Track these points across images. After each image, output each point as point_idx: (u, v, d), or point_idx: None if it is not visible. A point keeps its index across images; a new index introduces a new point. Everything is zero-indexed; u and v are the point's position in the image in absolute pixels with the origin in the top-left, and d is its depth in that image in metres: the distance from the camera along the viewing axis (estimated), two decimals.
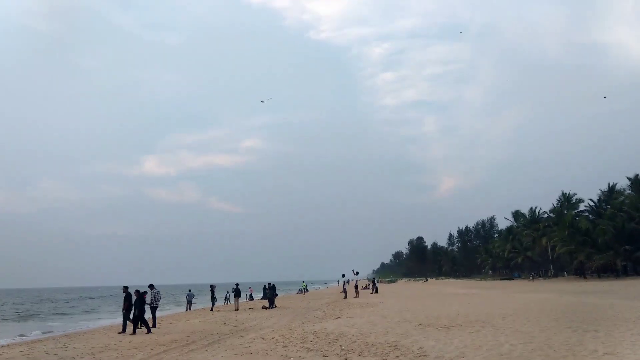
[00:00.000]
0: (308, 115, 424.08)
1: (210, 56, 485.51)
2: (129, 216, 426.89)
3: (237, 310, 28.58)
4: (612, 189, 63.99)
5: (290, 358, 10.25)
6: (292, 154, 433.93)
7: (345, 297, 35.08)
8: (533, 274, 69.60)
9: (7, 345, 16.24)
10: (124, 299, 17.48)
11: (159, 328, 18.83)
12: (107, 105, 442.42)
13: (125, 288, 17.81)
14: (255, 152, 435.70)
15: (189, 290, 37.37)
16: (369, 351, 10.24)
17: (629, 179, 60.38)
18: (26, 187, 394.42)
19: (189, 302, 34.84)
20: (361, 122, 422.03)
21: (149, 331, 17.14)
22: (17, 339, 20.08)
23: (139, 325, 17.29)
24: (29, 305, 59.74)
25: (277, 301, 32.92)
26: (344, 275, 37.51)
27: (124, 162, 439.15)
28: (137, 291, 17.59)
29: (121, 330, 17.55)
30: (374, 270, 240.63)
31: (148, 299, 19.67)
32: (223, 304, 38.93)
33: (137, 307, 17.20)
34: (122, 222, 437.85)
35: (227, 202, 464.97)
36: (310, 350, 10.97)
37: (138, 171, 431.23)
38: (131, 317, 17.28)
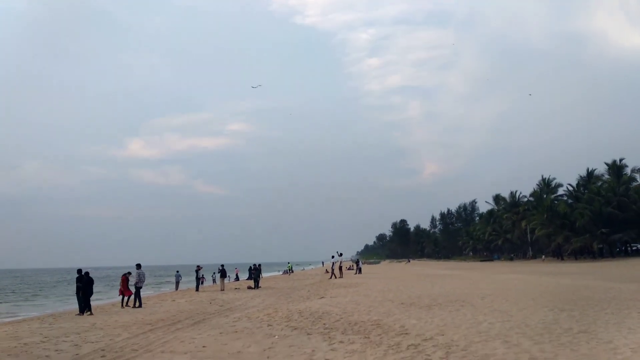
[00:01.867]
0: (293, 99, 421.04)
1: (197, 40, 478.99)
2: (115, 198, 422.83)
3: (223, 290, 28.76)
4: (590, 174, 65.40)
5: (275, 336, 10.46)
6: (277, 138, 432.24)
7: (331, 277, 35.47)
8: (544, 254, 69.58)
9: None
10: (76, 281, 17.72)
11: (144, 308, 18.93)
12: (92, 88, 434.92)
13: (79, 271, 17.96)
14: (241, 135, 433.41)
15: (177, 272, 37.69)
16: (352, 329, 10.50)
17: (607, 164, 61.79)
18: (12, 169, 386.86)
19: (177, 283, 35.33)
20: (346, 107, 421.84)
21: (90, 313, 17.12)
22: (2, 319, 20.01)
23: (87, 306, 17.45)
24: (14, 285, 59.17)
25: (263, 282, 33.20)
26: (333, 257, 37.81)
27: (109, 144, 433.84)
28: (87, 273, 17.73)
29: (79, 312, 17.53)
30: (357, 252, 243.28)
31: (133, 279, 19.82)
32: (212, 284, 39.30)
33: (82, 289, 17.32)
34: (107, 204, 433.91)
35: (213, 185, 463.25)
36: (295, 329, 11.20)
37: (123, 153, 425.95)
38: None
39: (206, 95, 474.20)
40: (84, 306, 17.32)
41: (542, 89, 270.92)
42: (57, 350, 9.82)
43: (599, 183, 61.77)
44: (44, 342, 10.95)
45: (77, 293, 17.62)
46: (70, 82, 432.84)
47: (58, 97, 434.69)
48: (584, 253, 62.03)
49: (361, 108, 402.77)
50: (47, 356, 9.26)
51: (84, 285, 17.36)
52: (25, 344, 10.73)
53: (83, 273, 17.71)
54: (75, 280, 17.96)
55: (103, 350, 9.77)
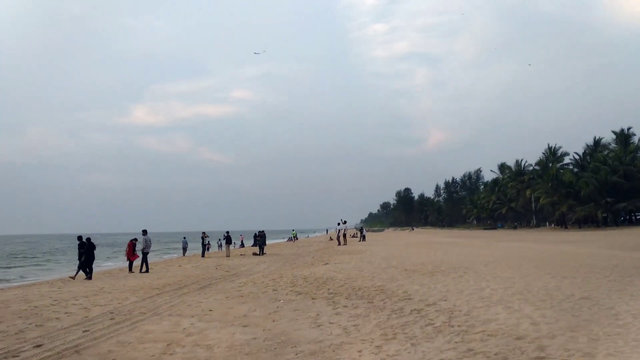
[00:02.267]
0: (297, 66, 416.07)
1: (199, 4, 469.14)
2: (120, 165, 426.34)
3: (229, 256, 29.17)
4: (597, 142, 64.81)
5: (280, 300, 10.63)
6: (282, 105, 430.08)
7: (339, 244, 35.69)
8: (552, 223, 68.79)
9: (2, 289, 16.53)
10: (78, 247, 18.14)
11: (151, 273, 19.25)
12: (96, 53, 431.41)
13: (79, 238, 18.39)
14: (245, 102, 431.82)
15: (184, 238, 38.25)
16: (355, 294, 10.64)
17: (615, 132, 61.09)
18: (16, 136, 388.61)
19: (184, 249, 35.94)
20: (351, 74, 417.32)
21: (89, 278, 17.58)
22: (10, 283, 20.42)
23: (87, 271, 17.89)
24: (27, 251, 60.18)
25: (267, 248, 33.57)
26: (339, 224, 37.92)
27: (113, 111, 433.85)
28: (89, 239, 18.20)
29: (73, 275, 18.02)
30: (362, 220, 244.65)
31: (140, 245, 20.09)
32: (217, 250, 39.89)
33: (84, 254, 17.74)
34: (113, 171, 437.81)
35: (218, 153, 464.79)
36: (300, 294, 11.37)
37: (128, 120, 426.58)
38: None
39: (209, 61, 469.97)
40: (88, 271, 17.72)
41: (550, 55, 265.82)
42: (67, 313, 10.04)
43: (606, 152, 61.25)
44: (53, 305, 11.20)
45: (80, 258, 17.93)
46: (73, 47, 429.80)
47: (60, 64, 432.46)
48: (587, 222, 62.12)
49: (366, 75, 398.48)
50: (57, 318, 9.47)
51: (86, 251, 17.70)
52: (35, 306, 10.97)
53: (85, 239, 18.03)
54: (77, 246, 18.28)
55: (112, 313, 9.98)
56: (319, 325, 7.93)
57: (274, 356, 6.31)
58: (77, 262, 18.29)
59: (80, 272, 17.82)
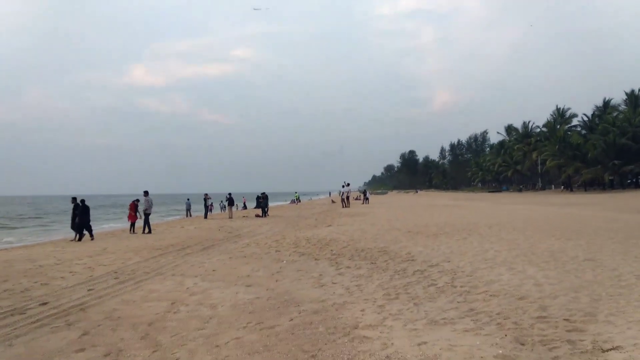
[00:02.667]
0: (299, 23, 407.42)
1: None
2: (120, 126, 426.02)
3: (231, 218, 29.34)
4: (606, 104, 63.77)
5: (283, 261, 10.66)
6: (283, 65, 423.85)
7: (344, 206, 35.72)
8: (561, 185, 67.88)
9: (7, 249, 16.73)
10: (73, 209, 18.03)
11: (154, 234, 19.39)
12: (93, 11, 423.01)
13: (74, 199, 18.26)
14: (246, 61, 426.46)
15: (187, 199, 38.43)
16: (359, 256, 10.64)
17: (626, 93, 59.96)
18: (14, 96, 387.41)
19: (188, 210, 36.18)
20: (356, 33, 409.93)
21: (92, 238, 17.70)
22: (17, 244, 20.67)
23: (82, 233, 17.93)
24: (32, 212, 60.84)
25: (270, 210, 33.74)
26: (343, 186, 37.81)
27: (112, 71, 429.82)
28: (83, 200, 18.08)
29: (72, 238, 18.01)
30: (365, 183, 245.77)
31: (142, 206, 20.18)
32: (220, 211, 40.16)
33: (79, 216, 17.70)
34: (113, 132, 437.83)
35: (218, 114, 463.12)
36: (303, 255, 11.39)
37: (127, 80, 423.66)
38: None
39: (209, 18, 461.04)
40: (89, 231, 17.84)
41: (561, 15, 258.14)
42: (71, 272, 10.13)
43: (615, 113, 60.27)
44: (58, 264, 11.30)
45: (73, 220, 17.95)
46: (69, 7, 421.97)
47: (58, 19, 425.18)
48: (593, 184, 61.85)
49: (371, 34, 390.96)
50: (62, 277, 9.55)
51: (81, 212, 17.71)
52: (40, 265, 11.07)
53: (79, 201, 18.01)
54: (72, 208, 18.23)
55: (116, 272, 10.06)
56: (322, 285, 7.94)
57: (277, 315, 6.32)
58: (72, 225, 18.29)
59: (74, 233, 17.88)
